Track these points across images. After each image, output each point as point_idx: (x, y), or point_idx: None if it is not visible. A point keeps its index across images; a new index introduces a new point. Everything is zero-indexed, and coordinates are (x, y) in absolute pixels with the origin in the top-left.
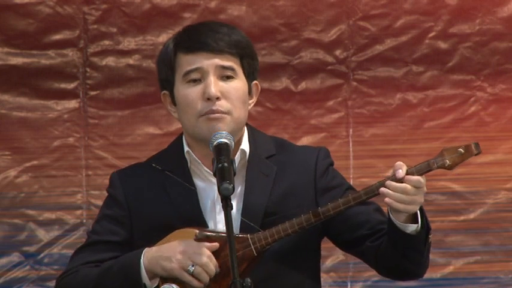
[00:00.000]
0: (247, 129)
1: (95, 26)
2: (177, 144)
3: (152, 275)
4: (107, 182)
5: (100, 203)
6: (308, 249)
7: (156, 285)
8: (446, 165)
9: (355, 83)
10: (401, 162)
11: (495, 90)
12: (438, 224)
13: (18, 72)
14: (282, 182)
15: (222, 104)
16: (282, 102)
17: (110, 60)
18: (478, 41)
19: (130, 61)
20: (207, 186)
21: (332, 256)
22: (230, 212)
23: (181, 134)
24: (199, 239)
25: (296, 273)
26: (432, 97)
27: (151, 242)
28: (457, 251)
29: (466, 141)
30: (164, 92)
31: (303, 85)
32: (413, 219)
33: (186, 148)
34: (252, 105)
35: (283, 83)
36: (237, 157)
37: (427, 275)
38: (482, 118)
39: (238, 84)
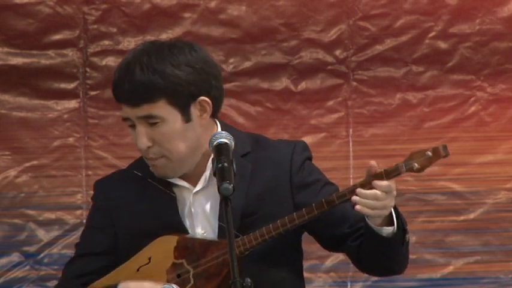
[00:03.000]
0: (222, 127)
1: (95, 26)
2: None
3: None
4: None
5: None
6: (288, 247)
7: None
8: (414, 168)
9: (355, 83)
10: (371, 165)
11: (495, 90)
12: (438, 224)
13: (18, 72)
14: (258, 180)
15: (155, 151)
16: (282, 102)
17: (110, 60)
18: (478, 41)
19: None
20: (182, 192)
21: (332, 256)
22: (230, 212)
23: None
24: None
25: (278, 271)
26: (432, 97)
27: (134, 250)
28: (457, 251)
29: (466, 141)
30: None
31: (303, 85)
32: (388, 221)
33: None
34: (207, 118)
35: (283, 83)
36: (209, 164)
37: (427, 275)
38: (482, 118)
39: (165, 127)
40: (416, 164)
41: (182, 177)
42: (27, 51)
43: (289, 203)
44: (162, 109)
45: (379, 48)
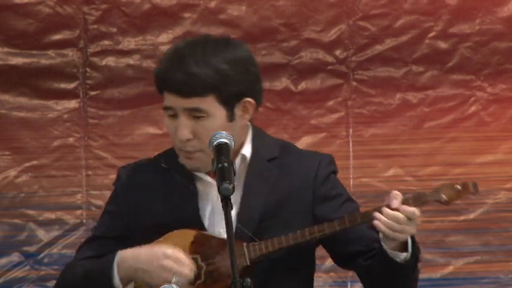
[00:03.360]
0: (252, 131)
1: (95, 26)
2: None
3: (127, 281)
4: (107, 182)
5: (100, 203)
6: (302, 257)
7: None
8: (442, 200)
9: (355, 83)
10: (397, 192)
11: (495, 90)
12: (438, 224)
13: (18, 72)
14: (281, 186)
15: (194, 145)
16: (282, 102)
17: (109, 60)
18: (478, 41)
19: (130, 61)
20: (208, 189)
21: None
22: (230, 212)
23: None
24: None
25: (290, 280)
26: (432, 97)
27: (149, 240)
28: (457, 251)
29: (466, 141)
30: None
31: (303, 85)
32: (403, 246)
33: None
34: (247, 119)
35: (283, 83)
36: (238, 161)
37: (427, 275)
38: (482, 118)
39: (209, 122)
40: (444, 196)
41: (209, 174)
42: (27, 51)
43: (308, 213)
44: (210, 104)
45: (379, 48)
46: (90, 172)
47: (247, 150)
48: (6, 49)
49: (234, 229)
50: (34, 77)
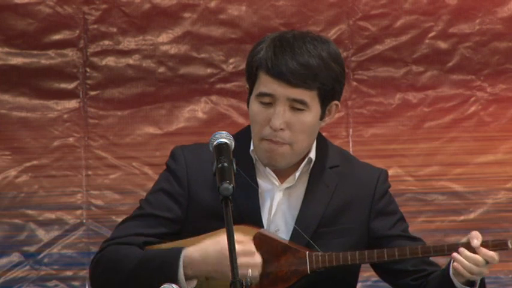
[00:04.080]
0: (317, 137)
1: (95, 26)
2: (246, 138)
3: (192, 278)
4: (107, 182)
5: (100, 203)
6: (350, 273)
7: (193, 286)
8: None
9: (355, 83)
10: (477, 232)
11: (495, 90)
12: (438, 224)
13: (18, 72)
14: (341, 194)
15: (285, 136)
16: None
17: (110, 60)
18: (478, 41)
19: (130, 61)
20: (268, 187)
21: None
22: (230, 212)
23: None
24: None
25: None
26: (432, 97)
27: (203, 228)
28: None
29: (466, 141)
30: (247, 86)
31: None
32: (469, 281)
33: (252, 147)
34: (328, 121)
35: None
36: (303, 164)
37: None
38: (482, 118)
39: (308, 117)
40: None
41: (275, 171)
42: (27, 51)
43: (364, 225)
44: (313, 99)
45: (379, 48)
46: (90, 172)
47: (312, 154)
48: (6, 49)
49: (290, 232)
50: (34, 77)
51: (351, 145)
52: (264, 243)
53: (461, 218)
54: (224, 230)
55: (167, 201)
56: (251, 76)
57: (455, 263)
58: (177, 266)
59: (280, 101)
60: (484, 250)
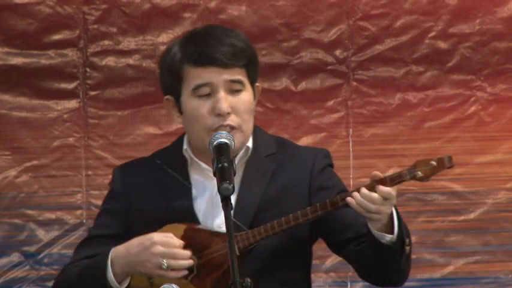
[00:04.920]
0: (253, 128)
1: (95, 26)
2: (178, 142)
3: (123, 277)
4: (107, 182)
5: (100, 203)
6: (298, 250)
7: (126, 285)
8: (418, 176)
9: (355, 83)
10: (377, 172)
11: (495, 90)
12: (438, 224)
13: (18, 72)
14: (279, 179)
15: (233, 119)
16: (282, 102)
17: (110, 60)
18: (478, 41)
19: (130, 61)
20: (206, 182)
21: (332, 256)
22: (230, 212)
23: (183, 134)
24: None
25: (285, 273)
26: (432, 97)
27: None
28: (457, 251)
29: (466, 141)
30: (168, 97)
31: (303, 85)
32: (391, 229)
33: (185, 146)
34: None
35: (283, 83)
36: (241, 154)
37: (427, 275)
38: (482, 118)
39: (246, 96)
40: (420, 173)
41: (208, 163)
42: (27, 51)
43: (305, 203)
44: (245, 77)
45: (379, 48)
46: (90, 172)
47: (250, 143)
48: (6, 49)
49: (232, 228)
50: (34, 77)
51: (351, 145)
52: (193, 236)
53: (461, 218)
54: (163, 228)
55: (108, 219)
56: (174, 81)
57: (348, 198)
58: (105, 263)
59: (219, 87)
60: (380, 187)
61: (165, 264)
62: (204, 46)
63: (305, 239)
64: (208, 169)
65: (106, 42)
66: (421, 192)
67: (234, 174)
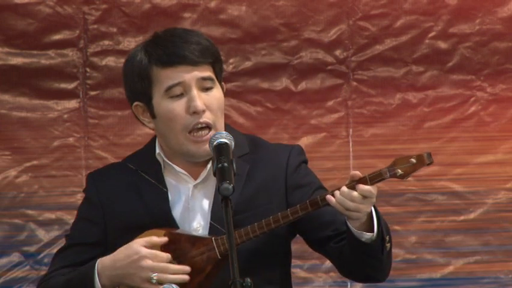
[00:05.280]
0: (225, 126)
1: (95, 26)
2: (151, 146)
3: None
4: None
5: None
6: (277, 249)
7: None
8: (398, 174)
9: (355, 83)
10: (356, 172)
11: (495, 90)
12: (438, 224)
13: (18, 72)
14: (254, 179)
15: (208, 116)
16: (282, 102)
17: (110, 60)
18: (478, 41)
19: None
20: (180, 185)
21: None
22: (230, 212)
23: (155, 137)
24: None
25: (265, 273)
26: (432, 97)
27: (124, 242)
28: (457, 251)
29: (466, 141)
30: (137, 103)
31: (303, 85)
32: (370, 227)
33: (157, 150)
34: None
35: (283, 83)
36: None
37: (427, 275)
38: (482, 118)
39: (217, 93)
40: (399, 170)
41: (184, 168)
42: (27, 51)
43: (282, 203)
44: (214, 74)
45: (379, 48)
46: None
47: None
48: (6, 49)
49: (208, 227)
50: (34, 77)
51: (351, 145)
52: (173, 242)
53: (461, 218)
54: (135, 241)
55: (86, 227)
56: (144, 85)
57: (327, 196)
58: (93, 274)
59: (191, 86)
60: (360, 186)
61: (155, 279)
62: (172, 47)
63: (283, 237)
64: (182, 172)
65: (106, 42)
66: (421, 192)
67: (235, 175)
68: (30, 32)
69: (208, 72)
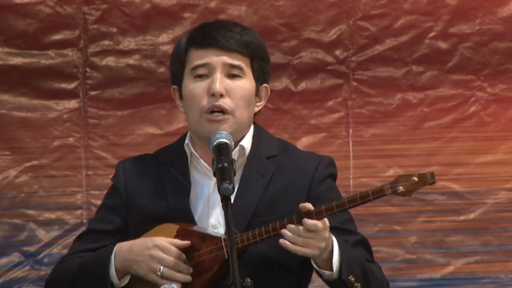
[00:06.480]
0: (254, 128)
1: (95, 26)
2: (182, 138)
3: (124, 274)
4: (107, 182)
5: (100, 203)
6: (289, 259)
7: (125, 283)
8: (399, 191)
9: (355, 83)
10: (307, 204)
11: (495, 90)
12: (438, 224)
13: (18, 72)
14: (278, 183)
15: (226, 102)
16: (282, 102)
17: (110, 60)
18: (478, 41)
19: (130, 61)
20: (204, 181)
21: None
22: (230, 212)
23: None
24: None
25: (279, 279)
26: (432, 97)
27: (143, 233)
28: (457, 251)
29: (466, 141)
30: (174, 86)
31: (303, 85)
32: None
33: (186, 141)
34: (260, 108)
35: (283, 83)
36: (235, 153)
37: (427, 275)
38: (482, 118)
39: (245, 84)
40: (401, 187)
41: (209, 161)
42: (27, 51)
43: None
44: (247, 67)
45: (379, 48)
46: (90, 172)
47: (245, 142)
48: (6, 49)
49: (232, 228)
50: (34, 77)
51: (351, 145)
52: (184, 238)
53: (461, 218)
54: (149, 233)
55: (107, 214)
56: (178, 67)
57: (281, 239)
58: (110, 255)
59: (216, 69)
60: (305, 220)
61: (161, 272)
62: (210, 31)
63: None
64: (206, 167)
65: (106, 42)
66: (421, 192)
67: (234, 174)
68: (30, 32)
69: (239, 61)
